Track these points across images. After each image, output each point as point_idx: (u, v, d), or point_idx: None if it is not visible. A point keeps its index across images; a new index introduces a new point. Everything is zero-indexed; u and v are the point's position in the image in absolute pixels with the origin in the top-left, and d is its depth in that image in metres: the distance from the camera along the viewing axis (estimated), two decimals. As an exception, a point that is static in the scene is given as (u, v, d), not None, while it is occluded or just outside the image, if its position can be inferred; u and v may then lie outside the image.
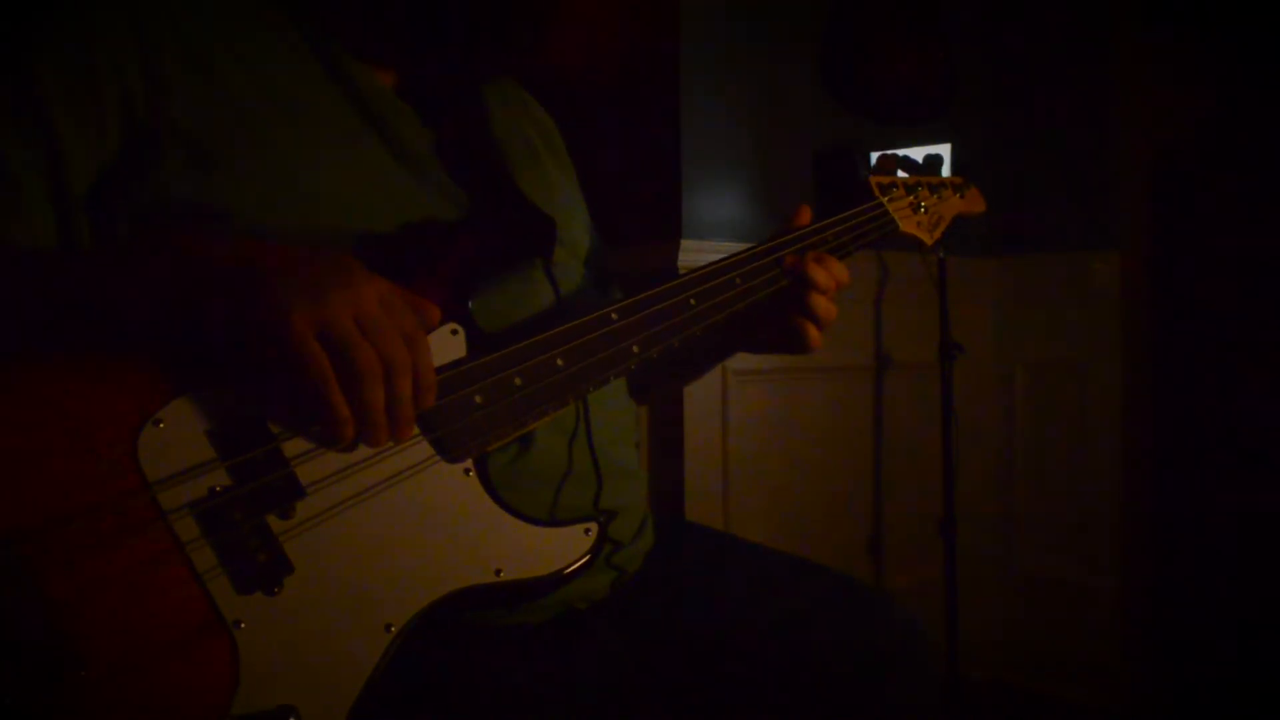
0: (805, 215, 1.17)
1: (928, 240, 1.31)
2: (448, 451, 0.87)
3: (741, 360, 1.44)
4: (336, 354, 0.76)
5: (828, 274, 1.11)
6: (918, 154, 2.38)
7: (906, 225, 1.27)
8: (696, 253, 2.19)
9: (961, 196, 1.37)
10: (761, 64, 2.39)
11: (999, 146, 2.84)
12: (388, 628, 0.81)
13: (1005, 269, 2.84)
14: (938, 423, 2.39)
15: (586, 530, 0.93)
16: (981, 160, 2.74)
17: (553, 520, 0.93)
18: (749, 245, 1.11)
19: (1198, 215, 2.72)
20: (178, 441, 0.77)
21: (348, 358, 0.76)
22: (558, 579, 0.91)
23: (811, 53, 2.50)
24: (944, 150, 2.37)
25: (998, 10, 2.85)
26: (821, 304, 1.10)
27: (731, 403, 2.30)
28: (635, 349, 0.98)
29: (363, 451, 0.83)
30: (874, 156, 2.42)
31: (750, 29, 2.37)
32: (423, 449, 0.86)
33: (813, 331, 1.11)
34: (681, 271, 1.06)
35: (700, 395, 2.22)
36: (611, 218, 1.33)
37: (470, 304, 0.91)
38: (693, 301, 1.03)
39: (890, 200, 1.26)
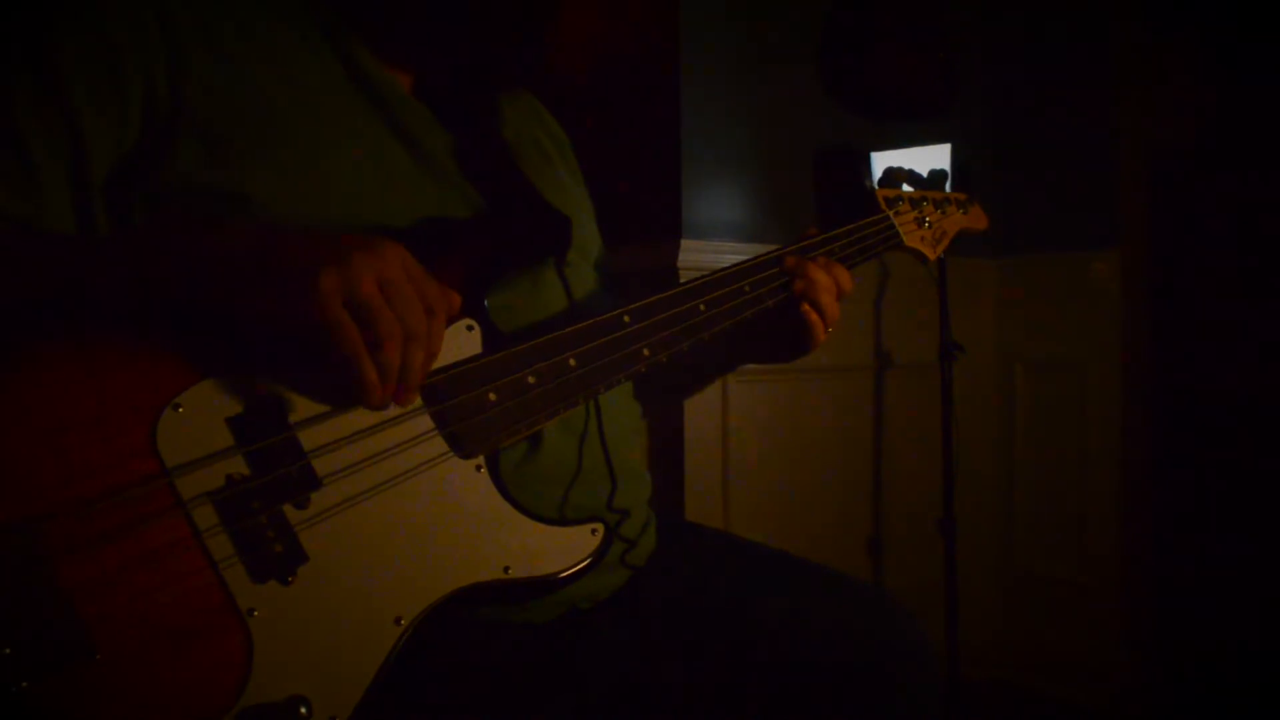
0: (813, 232, 1.19)
1: (930, 255, 1.35)
2: (461, 447, 0.88)
3: (741, 360, 1.44)
4: (360, 318, 0.77)
5: (828, 275, 1.12)
6: (918, 154, 2.39)
7: (910, 240, 1.31)
8: (696, 253, 2.19)
9: (965, 213, 1.41)
10: (761, 64, 2.39)
11: (999, 146, 2.84)
12: (397, 620, 0.82)
13: (1005, 269, 2.84)
14: (938, 423, 2.39)
15: (593, 530, 0.94)
16: (981, 159, 2.74)
17: (562, 519, 0.94)
18: (757, 254, 1.13)
19: (1198, 215, 2.72)
20: (197, 427, 0.78)
21: (370, 321, 0.77)
22: (566, 578, 0.92)
23: (811, 53, 2.50)
24: (944, 150, 2.37)
25: (998, 10, 2.85)
26: (823, 298, 1.11)
27: (731, 403, 2.30)
28: (646, 352, 1.00)
29: (379, 444, 0.84)
30: (874, 158, 2.42)
31: (750, 29, 2.37)
32: (437, 444, 0.87)
33: (815, 320, 1.12)
34: (680, 271, 1.07)
35: (700, 395, 2.21)
36: (611, 218, 1.33)
37: (486, 301, 0.92)
38: (702, 307, 1.05)
39: (896, 214, 1.29)
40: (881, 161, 2.42)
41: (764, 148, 2.40)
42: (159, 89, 0.88)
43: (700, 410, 2.23)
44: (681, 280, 2.29)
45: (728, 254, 2.24)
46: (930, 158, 2.37)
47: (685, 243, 2.19)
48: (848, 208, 2.41)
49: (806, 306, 1.12)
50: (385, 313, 0.77)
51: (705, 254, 2.21)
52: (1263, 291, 2.60)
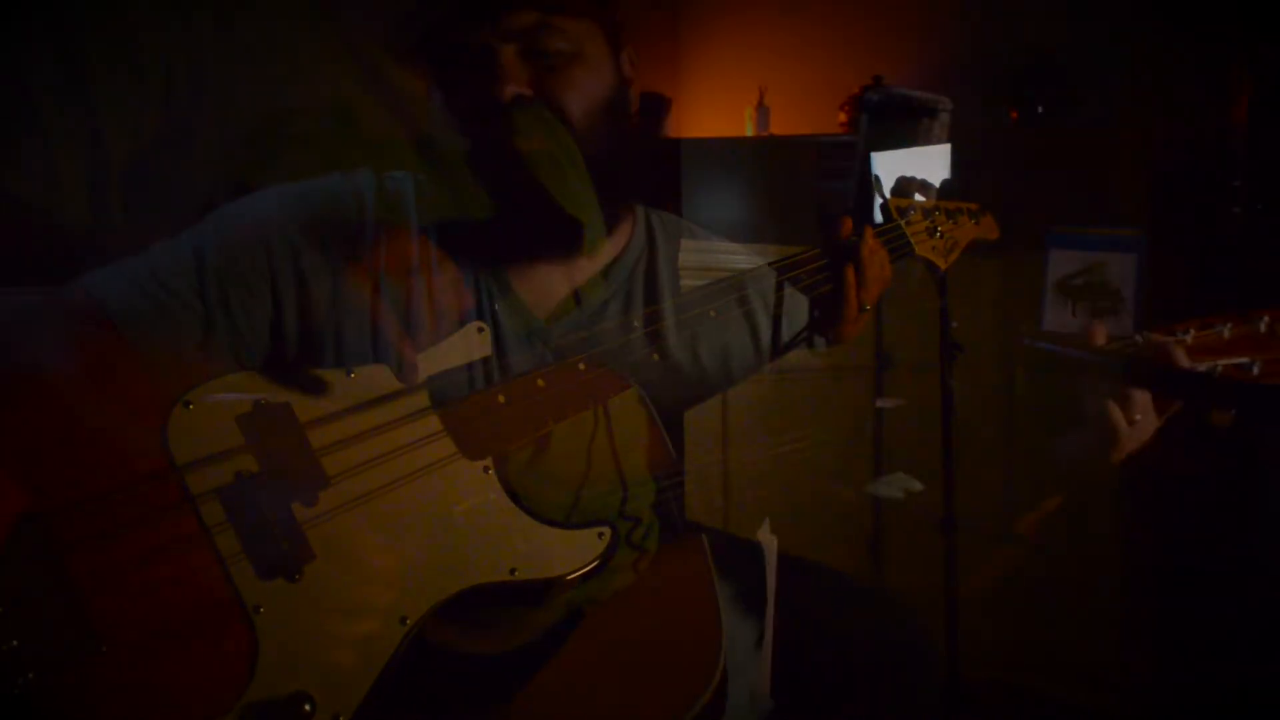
0: (848, 225, 1.22)
1: (942, 265, 1.34)
2: (469, 448, 0.88)
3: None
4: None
5: (877, 245, 1.19)
6: (918, 153, 2.39)
7: (922, 249, 1.31)
8: (696, 253, 2.18)
9: (977, 223, 1.42)
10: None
11: (998, 145, 2.83)
12: (403, 620, 0.82)
13: (1005, 269, 2.83)
14: (938, 423, 2.38)
15: (600, 534, 0.94)
16: (981, 158, 2.73)
17: (569, 523, 0.95)
18: (772, 260, 1.17)
19: (1199, 214, 2.71)
20: (207, 425, 0.79)
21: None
22: (571, 581, 0.92)
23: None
24: (944, 150, 2.37)
25: (998, 10, 2.84)
26: (866, 255, 1.18)
27: (731, 402, 2.30)
28: (655, 358, 1.00)
29: (387, 444, 0.85)
30: (875, 158, 2.42)
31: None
32: (445, 445, 0.88)
33: (851, 296, 1.19)
34: (680, 271, 1.08)
35: (700, 395, 2.21)
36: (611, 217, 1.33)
37: (496, 305, 0.92)
38: (713, 313, 1.05)
39: (907, 223, 1.29)
40: (882, 161, 2.42)
41: (764, 147, 2.39)
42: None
43: (700, 410, 2.23)
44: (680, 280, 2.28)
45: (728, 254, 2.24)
46: (930, 157, 2.37)
47: (685, 243, 2.18)
48: (849, 212, 2.40)
49: (851, 274, 1.16)
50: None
51: (705, 254, 2.20)
52: (1262, 291, 2.60)
